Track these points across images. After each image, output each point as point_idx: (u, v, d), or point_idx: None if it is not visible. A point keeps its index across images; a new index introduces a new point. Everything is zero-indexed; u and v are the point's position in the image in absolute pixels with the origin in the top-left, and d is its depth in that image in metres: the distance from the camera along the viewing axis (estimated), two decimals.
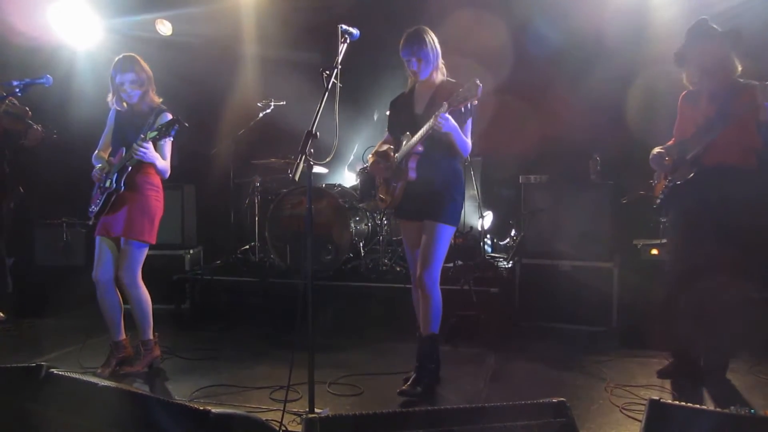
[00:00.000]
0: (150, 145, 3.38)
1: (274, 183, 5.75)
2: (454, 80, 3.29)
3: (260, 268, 5.28)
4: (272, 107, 5.45)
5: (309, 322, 2.64)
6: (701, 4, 4.24)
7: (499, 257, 5.49)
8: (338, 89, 2.74)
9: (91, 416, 2.11)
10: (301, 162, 2.60)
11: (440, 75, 3.30)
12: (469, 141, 3.27)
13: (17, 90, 3.67)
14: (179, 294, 5.11)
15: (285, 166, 5.30)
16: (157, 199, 3.63)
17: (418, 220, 3.32)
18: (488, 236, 5.75)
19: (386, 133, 3.66)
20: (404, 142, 3.30)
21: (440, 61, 3.28)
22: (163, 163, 3.55)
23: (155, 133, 3.35)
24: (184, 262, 5.37)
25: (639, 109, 4.92)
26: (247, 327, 4.61)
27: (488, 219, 5.76)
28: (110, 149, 3.67)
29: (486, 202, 5.61)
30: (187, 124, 3.38)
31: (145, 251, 3.60)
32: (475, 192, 5.29)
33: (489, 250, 5.72)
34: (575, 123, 5.18)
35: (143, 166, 3.51)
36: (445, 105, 3.03)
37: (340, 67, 2.74)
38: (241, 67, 6.32)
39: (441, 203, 3.24)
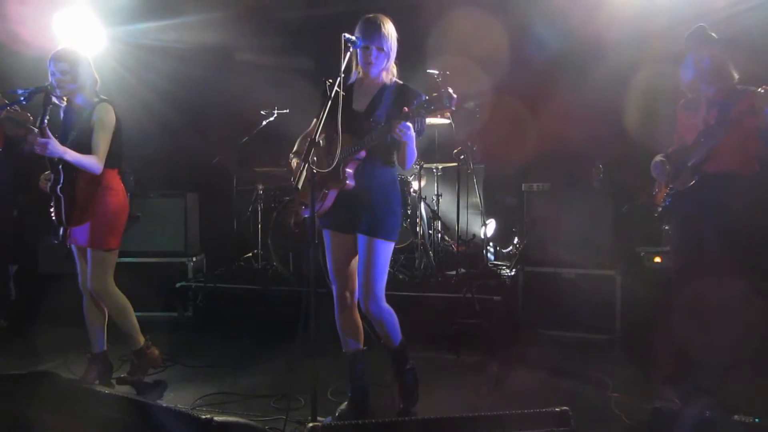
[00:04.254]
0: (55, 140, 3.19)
1: (276, 190, 5.75)
2: (411, 85, 2.96)
3: (263, 275, 5.29)
4: (275, 115, 5.46)
5: (311, 330, 2.63)
6: (702, 9, 4.25)
7: (502, 265, 5.48)
8: (341, 98, 2.74)
9: (94, 424, 2.11)
10: (304, 170, 2.60)
11: (390, 75, 2.95)
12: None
13: (22, 98, 3.68)
14: (182, 302, 5.11)
15: (288, 174, 5.29)
16: (114, 201, 3.42)
17: (350, 233, 3.00)
18: (491, 244, 5.74)
19: (313, 122, 3.06)
20: (339, 142, 2.72)
21: (393, 56, 2.93)
22: (77, 157, 3.24)
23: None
24: (186, 269, 5.36)
25: (641, 116, 4.92)
26: (249, 335, 4.60)
27: (491, 227, 5.76)
28: None
29: (488, 209, 5.61)
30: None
31: (114, 256, 3.45)
32: (478, 200, 5.29)
33: (492, 257, 5.71)
34: (577, 130, 5.18)
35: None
36: (405, 112, 2.70)
37: (343, 75, 2.74)
38: (244, 74, 6.34)
39: (380, 217, 2.92)
